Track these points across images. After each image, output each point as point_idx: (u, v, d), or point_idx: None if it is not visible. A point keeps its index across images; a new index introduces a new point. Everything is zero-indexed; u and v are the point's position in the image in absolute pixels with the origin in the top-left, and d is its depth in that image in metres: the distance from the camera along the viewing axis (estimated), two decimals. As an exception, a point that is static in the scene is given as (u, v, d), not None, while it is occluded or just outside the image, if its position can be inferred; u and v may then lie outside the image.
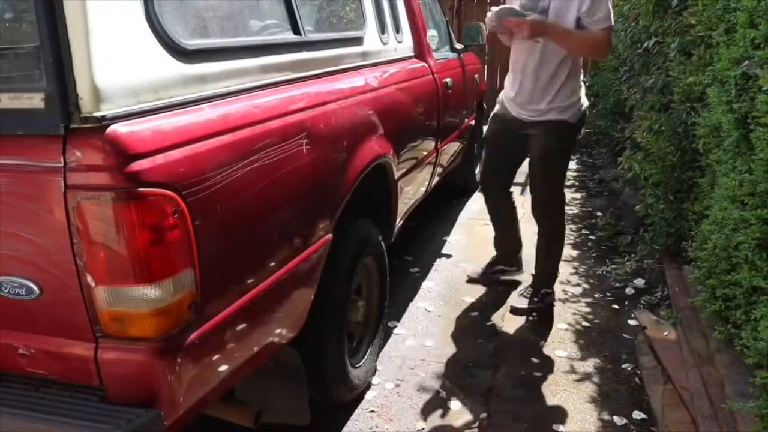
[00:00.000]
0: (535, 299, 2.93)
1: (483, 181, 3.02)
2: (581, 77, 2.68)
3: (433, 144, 3.03)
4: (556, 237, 2.87)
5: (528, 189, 2.88)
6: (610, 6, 2.42)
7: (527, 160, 2.78)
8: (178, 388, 1.24)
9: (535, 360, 2.52)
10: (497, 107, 2.84)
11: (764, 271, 1.81)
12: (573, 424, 2.14)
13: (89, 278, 1.13)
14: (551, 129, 2.62)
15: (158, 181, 1.13)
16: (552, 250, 2.89)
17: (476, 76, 4.33)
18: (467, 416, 2.17)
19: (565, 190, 2.90)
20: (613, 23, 2.43)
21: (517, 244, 3.16)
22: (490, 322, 2.83)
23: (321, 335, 1.90)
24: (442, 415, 2.17)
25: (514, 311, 2.90)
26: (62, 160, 1.07)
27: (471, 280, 3.23)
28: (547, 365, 2.49)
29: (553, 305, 2.94)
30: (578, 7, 2.40)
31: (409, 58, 2.88)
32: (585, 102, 2.69)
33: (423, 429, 2.10)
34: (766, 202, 1.85)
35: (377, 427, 2.11)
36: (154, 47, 1.21)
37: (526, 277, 3.15)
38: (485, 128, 2.83)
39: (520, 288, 3.10)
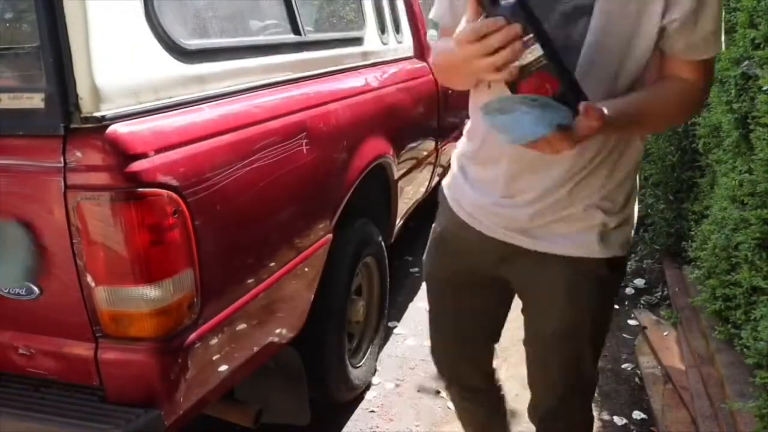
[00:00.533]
0: None
1: (438, 365, 1.52)
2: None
3: (433, 144, 3.03)
4: None
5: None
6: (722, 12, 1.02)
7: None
8: (178, 388, 1.23)
9: (535, 360, 2.52)
10: (439, 216, 1.32)
11: (764, 271, 1.81)
12: (573, 424, 2.13)
13: (89, 278, 1.12)
14: (586, 277, 1.17)
15: (158, 181, 1.12)
16: None
17: (476, 76, 4.33)
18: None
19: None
20: (722, 46, 1.05)
21: None
22: (490, 322, 2.83)
23: (321, 335, 1.90)
24: (442, 415, 2.17)
25: None
26: (62, 160, 1.07)
27: None
28: (547, 365, 2.48)
29: None
30: (663, 5, 0.97)
31: (409, 58, 2.88)
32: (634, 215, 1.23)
33: (423, 429, 2.10)
34: (766, 202, 1.85)
35: (377, 427, 2.11)
36: (154, 47, 1.21)
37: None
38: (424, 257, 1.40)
39: None
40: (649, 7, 0.98)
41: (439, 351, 1.49)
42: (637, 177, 1.20)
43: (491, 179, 1.15)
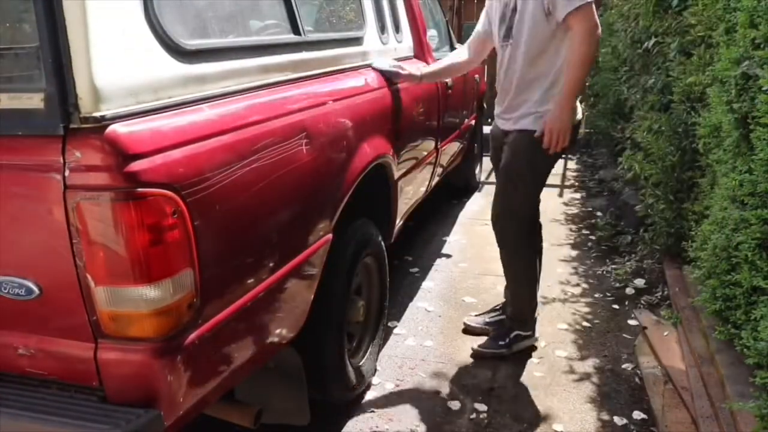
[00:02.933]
0: (502, 342, 2.51)
1: (494, 219, 2.45)
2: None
3: (433, 144, 3.03)
4: (515, 254, 2.44)
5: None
6: None
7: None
8: (178, 389, 1.23)
9: (535, 360, 2.52)
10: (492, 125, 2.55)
11: (764, 271, 1.81)
12: (573, 424, 2.13)
13: (89, 278, 1.13)
14: (519, 140, 2.30)
15: (157, 181, 1.12)
16: (515, 275, 2.48)
17: (476, 76, 4.33)
18: (467, 416, 2.17)
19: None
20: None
21: (535, 301, 2.57)
22: (490, 322, 2.83)
23: (321, 335, 1.90)
24: (442, 415, 2.17)
25: (475, 354, 2.52)
26: (62, 160, 1.07)
27: (470, 330, 2.71)
28: (547, 365, 2.49)
29: (531, 352, 2.51)
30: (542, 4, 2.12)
31: (409, 57, 2.88)
32: (577, 113, 2.32)
33: (423, 429, 2.10)
34: (766, 202, 1.85)
35: (377, 427, 2.11)
36: (154, 47, 1.21)
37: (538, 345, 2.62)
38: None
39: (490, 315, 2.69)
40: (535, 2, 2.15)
41: (495, 210, 2.45)
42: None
43: (497, 108, 2.46)
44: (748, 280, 1.88)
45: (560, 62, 2.20)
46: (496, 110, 2.44)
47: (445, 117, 3.22)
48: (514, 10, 2.22)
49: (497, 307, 2.74)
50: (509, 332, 2.52)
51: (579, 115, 2.32)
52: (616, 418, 2.16)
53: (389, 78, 2.34)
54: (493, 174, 2.69)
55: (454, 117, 3.57)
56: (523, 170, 2.31)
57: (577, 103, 2.29)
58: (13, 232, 1.16)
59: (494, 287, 3.17)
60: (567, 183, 5.21)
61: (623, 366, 2.48)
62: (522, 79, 2.26)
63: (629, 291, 3.14)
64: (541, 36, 2.19)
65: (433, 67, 2.61)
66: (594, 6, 2.11)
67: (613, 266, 3.44)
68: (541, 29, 2.18)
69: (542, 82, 2.24)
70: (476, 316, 2.77)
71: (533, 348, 2.59)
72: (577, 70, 2.13)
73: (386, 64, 2.37)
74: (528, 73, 2.25)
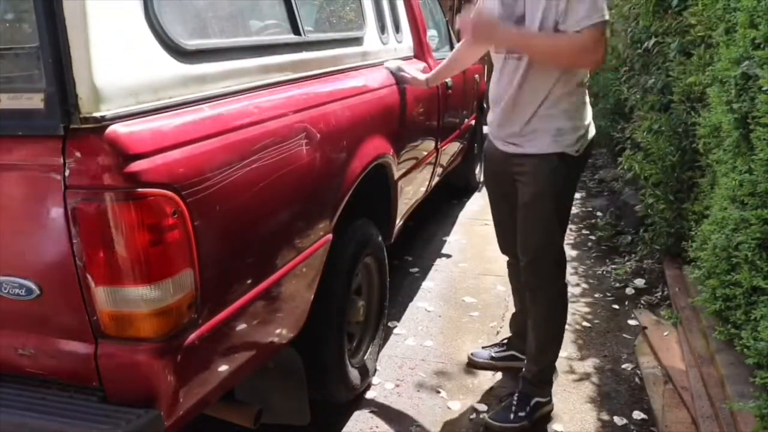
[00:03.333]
0: (522, 414, 2.07)
1: (501, 247, 2.28)
2: (585, 93, 1.99)
3: (433, 144, 3.03)
4: (550, 316, 2.07)
5: None
6: None
7: None
8: (178, 389, 1.23)
9: (535, 360, 2.52)
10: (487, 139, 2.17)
11: (764, 271, 1.81)
12: (573, 424, 2.13)
13: (89, 278, 1.12)
14: (539, 169, 1.91)
15: (157, 182, 1.12)
16: (548, 322, 2.08)
17: (476, 76, 4.33)
18: (467, 416, 2.17)
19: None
20: (605, 17, 1.73)
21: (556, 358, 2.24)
22: (491, 322, 2.83)
23: (321, 335, 1.90)
24: (442, 415, 2.17)
25: (490, 428, 2.08)
26: (62, 160, 1.07)
27: (473, 364, 2.45)
28: (547, 365, 2.48)
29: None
30: (555, 7, 1.75)
31: (409, 58, 2.88)
32: (592, 129, 2.03)
33: (423, 429, 2.10)
34: (766, 202, 1.85)
35: (377, 427, 2.11)
36: (154, 47, 1.21)
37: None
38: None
39: (504, 395, 2.23)
40: (547, 9, 1.76)
41: (499, 239, 2.27)
42: (584, 94, 1.98)
43: (493, 124, 2.06)
44: (748, 280, 1.88)
45: (582, 72, 1.92)
46: (494, 130, 2.04)
47: (445, 117, 3.22)
48: (523, 17, 1.82)
49: (503, 342, 2.48)
50: (528, 400, 2.10)
51: (592, 133, 2.02)
52: (616, 418, 2.16)
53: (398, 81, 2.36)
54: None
55: (454, 117, 3.57)
56: (554, 203, 1.94)
57: (591, 120, 2.02)
58: (13, 232, 1.16)
59: (494, 287, 3.17)
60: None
61: (623, 366, 2.48)
62: (533, 96, 1.88)
63: (629, 291, 3.14)
64: None
65: (437, 68, 2.50)
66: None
67: (613, 266, 3.44)
68: None
69: (558, 94, 1.88)
70: (483, 348, 2.52)
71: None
72: (554, 55, 1.82)
73: (394, 66, 2.37)
74: (540, 90, 1.88)
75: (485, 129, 2.19)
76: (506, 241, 2.19)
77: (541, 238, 1.97)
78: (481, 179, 5.18)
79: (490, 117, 2.07)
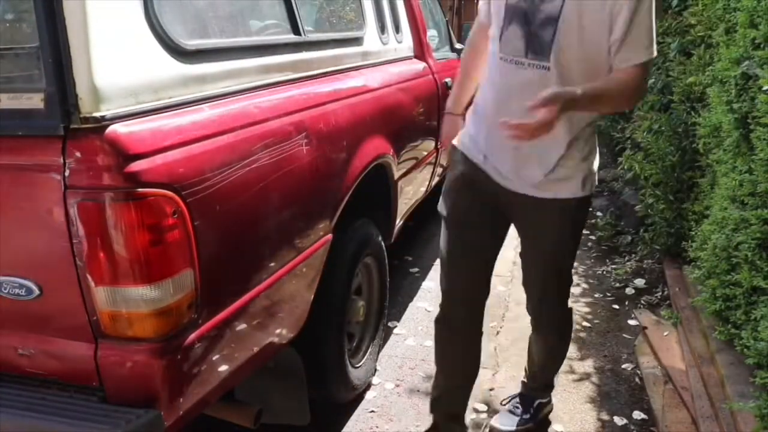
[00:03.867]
0: (527, 416, 2.08)
1: (446, 296, 1.81)
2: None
3: (433, 144, 3.03)
4: (564, 338, 2.01)
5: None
6: (653, 25, 1.43)
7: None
8: (178, 389, 1.24)
9: (535, 360, 2.52)
10: (458, 159, 1.72)
11: (764, 271, 1.81)
12: (573, 424, 2.13)
13: (89, 278, 1.12)
14: (562, 215, 1.62)
15: (157, 182, 1.12)
16: (557, 354, 2.04)
17: (476, 76, 4.32)
18: (467, 416, 2.17)
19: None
20: (655, 52, 1.45)
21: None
22: (491, 322, 2.83)
23: (321, 335, 1.90)
24: (442, 415, 2.17)
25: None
26: (62, 160, 1.07)
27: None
28: (547, 365, 2.48)
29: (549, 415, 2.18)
30: (609, 29, 1.41)
31: (409, 58, 2.88)
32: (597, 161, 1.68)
33: (423, 429, 2.10)
34: (766, 202, 1.85)
35: (377, 427, 2.11)
36: (154, 47, 1.21)
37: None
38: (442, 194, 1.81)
39: (504, 397, 2.21)
40: (600, 29, 1.42)
41: (450, 287, 1.83)
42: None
43: (491, 158, 1.65)
44: (748, 280, 1.88)
45: None
46: (489, 158, 1.63)
47: (445, 117, 3.21)
48: (556, 18, 1.42)
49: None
50: (531, 401, 2.11)
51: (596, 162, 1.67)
52: (616, 418, 2.16)
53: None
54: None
55: (454, 117, 3.56)
56: (574, 244, 1.75)
57: (596, 155, 1.66)
58: (13, 232, 1.16)
59: (494, 287, 3.16)
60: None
61: (623, 366, 2.48)
62: (568, 127, 1.51)
63: (629, 291, 3.14)
64: (600, 69, 1.47)
65: (456, 95, 1.90)
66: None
67: (613, 266, 3.44)
68: (603, 59, 1.46)
69: (583, 126, 1.56)
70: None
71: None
72: (620, 102, 1.55)
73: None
74: (581, 119, 1.53)
75: (455, 142, 1.74)
76: (463, 281, 1.77)
77: (563, 280, 1.81)
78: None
79: (473, 129, 1.67)
